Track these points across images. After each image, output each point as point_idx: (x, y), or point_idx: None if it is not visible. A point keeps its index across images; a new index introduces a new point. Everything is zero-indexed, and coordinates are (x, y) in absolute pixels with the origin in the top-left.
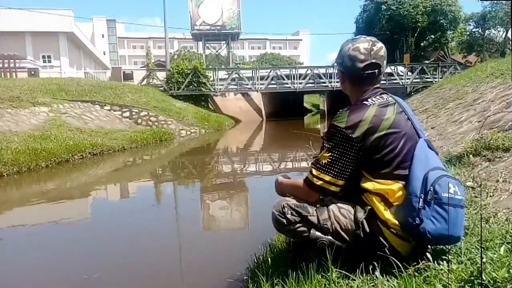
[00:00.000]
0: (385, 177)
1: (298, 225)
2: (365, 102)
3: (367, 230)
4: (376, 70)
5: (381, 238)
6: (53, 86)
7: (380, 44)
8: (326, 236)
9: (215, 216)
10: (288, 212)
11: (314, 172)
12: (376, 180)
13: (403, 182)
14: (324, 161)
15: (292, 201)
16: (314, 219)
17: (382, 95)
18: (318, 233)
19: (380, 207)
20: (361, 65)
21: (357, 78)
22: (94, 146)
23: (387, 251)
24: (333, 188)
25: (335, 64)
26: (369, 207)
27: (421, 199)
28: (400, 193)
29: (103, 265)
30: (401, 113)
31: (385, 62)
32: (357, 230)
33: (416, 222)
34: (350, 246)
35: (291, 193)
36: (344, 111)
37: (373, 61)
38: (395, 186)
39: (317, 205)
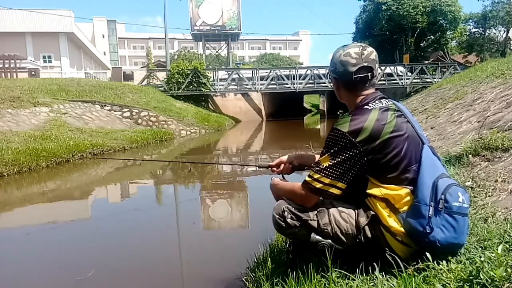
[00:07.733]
0: (392, 182)
1: (298, 229)
2: (366, 107)
3: (369, 235)
4: (369, 74)
5: (383, 244)
6: (54, 86)
7: (370, 49)
8: (327, 240)
9: (215, 216)
10: (288, 216)
11: (314, 175)
12: (384, 185)
13: (411, 187)
14: (325, 164)
15: (292, 204)
16: (314, 223)
17: (381, 100)
18: (318, 237)
19: (384, 213)
20: (353, 69)
21: (350, 83)
22: (95, 146)
23: (387, 254)
24: (334, 190)
25: (329, 73)
26: (372, 213)
27: (431, 207)
28: (407, 198)
29: (102, 264)
30: (400, 116)
31: (377, 65)
32: (358, 235)
33: (427, 230)
34: (350, 249)
35: (288, 197)
36: (346, 116)
37: (365, 64)
38: (403, 192)
39: (318, 209)
